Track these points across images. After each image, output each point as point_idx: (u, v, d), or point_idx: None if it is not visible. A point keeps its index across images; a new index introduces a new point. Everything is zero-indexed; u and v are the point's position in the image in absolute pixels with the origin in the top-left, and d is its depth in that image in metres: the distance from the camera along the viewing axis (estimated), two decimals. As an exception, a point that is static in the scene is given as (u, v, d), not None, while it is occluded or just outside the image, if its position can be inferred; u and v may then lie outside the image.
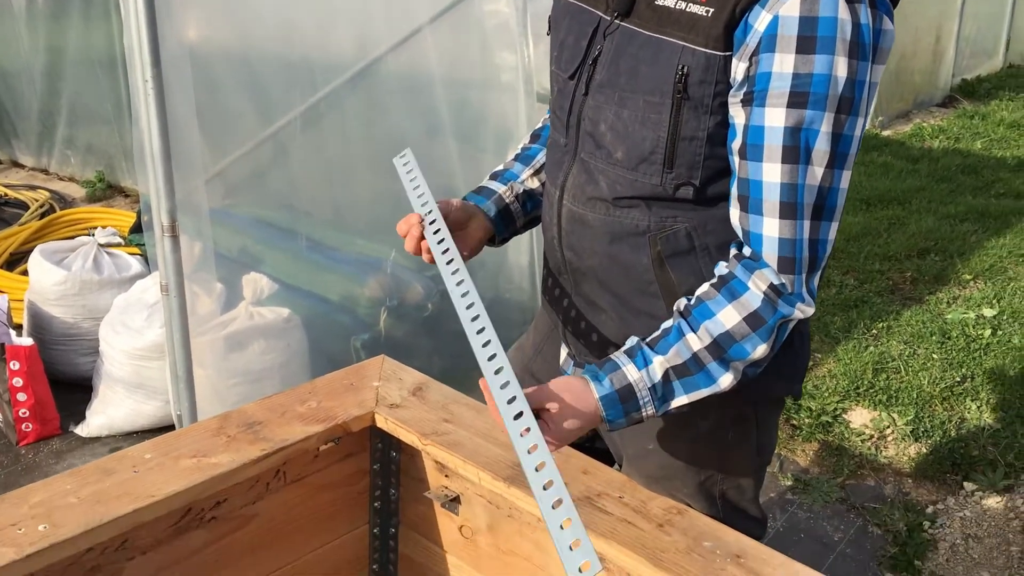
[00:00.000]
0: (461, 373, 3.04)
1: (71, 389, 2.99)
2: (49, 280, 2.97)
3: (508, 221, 1.54)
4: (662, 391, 1.21)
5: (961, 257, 4.12)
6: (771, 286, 1.18)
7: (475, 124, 3.04)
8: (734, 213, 1.22)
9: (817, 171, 1.14)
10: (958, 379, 3.15)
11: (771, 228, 1.17)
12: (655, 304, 1.32)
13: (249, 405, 1.56)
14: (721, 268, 1.24)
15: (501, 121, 3.02)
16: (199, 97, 2.28)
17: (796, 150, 1.13)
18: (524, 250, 3.22)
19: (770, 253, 1.18)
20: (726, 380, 1.21)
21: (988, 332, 3.43)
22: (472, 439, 1.51)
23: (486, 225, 1.50)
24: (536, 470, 1.11)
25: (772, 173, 1.15)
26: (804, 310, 1.20)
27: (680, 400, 1.22)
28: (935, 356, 3.30)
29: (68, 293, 2.97)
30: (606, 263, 1.34)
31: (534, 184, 1.56)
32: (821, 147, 1.13)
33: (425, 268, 2.95)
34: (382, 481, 1.67)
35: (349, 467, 1.62)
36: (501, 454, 1.47)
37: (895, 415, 2.96)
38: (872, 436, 2.90)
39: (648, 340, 1.24)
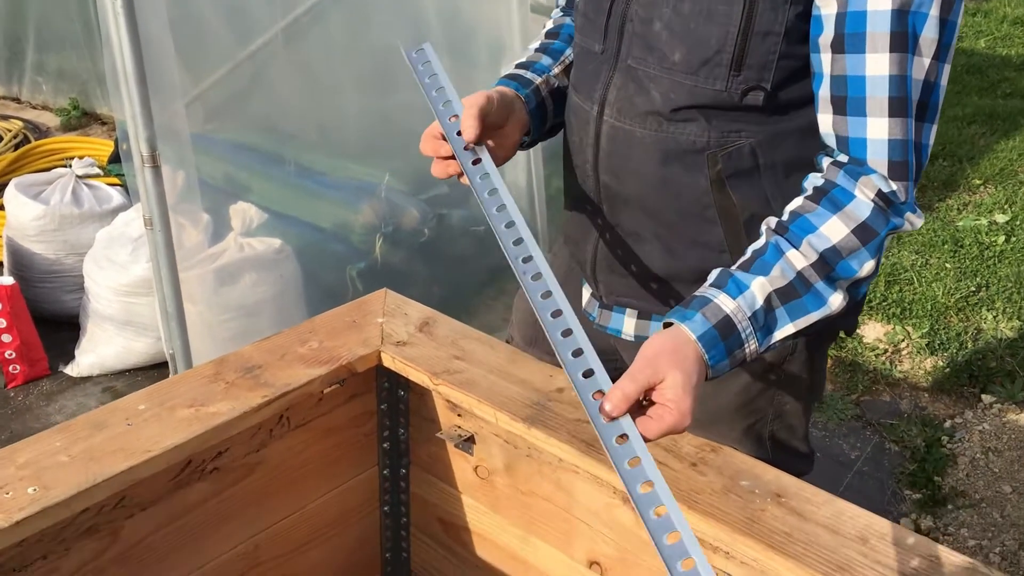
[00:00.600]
0: (463, 300, 2.95)
1: (58, 328, 2.89)
2: (27, 215, 2.84)
3: (541, 120, 1.36)
4: (764, 319, 1.03)
5: (970, 162, 4.01)
6: (880, 194, 1.04)
7: (467, 36, 2.87)
8: (825, 119, 1.08)
9: (924, 62, 1.00)
10: (972, 289, 3.08)
11: (878, 129, 1.02)
12: (710, 231, 1.19)
13: (246, 348, 1.46)
14: (815, 179, 1.10)
15: (494, 32, 2.85)
16: (172, 14, 2.12)
17: (904, 37, 0.99)
18: (521, 168, 3.09)
19: (878, 157, 1.03)
20: (836, 301, 1.05)
21: (1001, 239, 3.34)
22: (486, 377, 1.42)
23: (524, 121, 1.31)
24: (641, 491, 0.96)
25: (878, 65, 1.00)
26: (914, 221, 1.06)
27: (785, 329, 1.06)
28: (948, 266, 3.22)
29: (47, 228, 2.85)
30: (654, 186, 1.20)
31: (564, 82, 1.38)
32: (929, 34, 1.00)
33: (421, 190, 2.83)
34: (390, 421, 1.58)
35: (355, 409, 1.53)
36: (518, 392, 1.38)
37: (909, 328, 2.88)
38: (886, 350, 2.83)
39: (738, 265, 1.08)
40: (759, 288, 1.03)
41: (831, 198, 1.06)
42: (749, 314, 1.02)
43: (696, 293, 1.06)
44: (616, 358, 1.48)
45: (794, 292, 1.04)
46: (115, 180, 3.19)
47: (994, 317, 2.93)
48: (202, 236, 2.46)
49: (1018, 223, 3.50)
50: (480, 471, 1.49)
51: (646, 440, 0.98)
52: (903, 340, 2.87)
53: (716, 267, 1.13)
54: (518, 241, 1.14)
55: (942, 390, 2.67)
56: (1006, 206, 3.61)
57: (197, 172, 2.43)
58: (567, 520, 1.39)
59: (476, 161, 1.20)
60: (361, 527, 1.64)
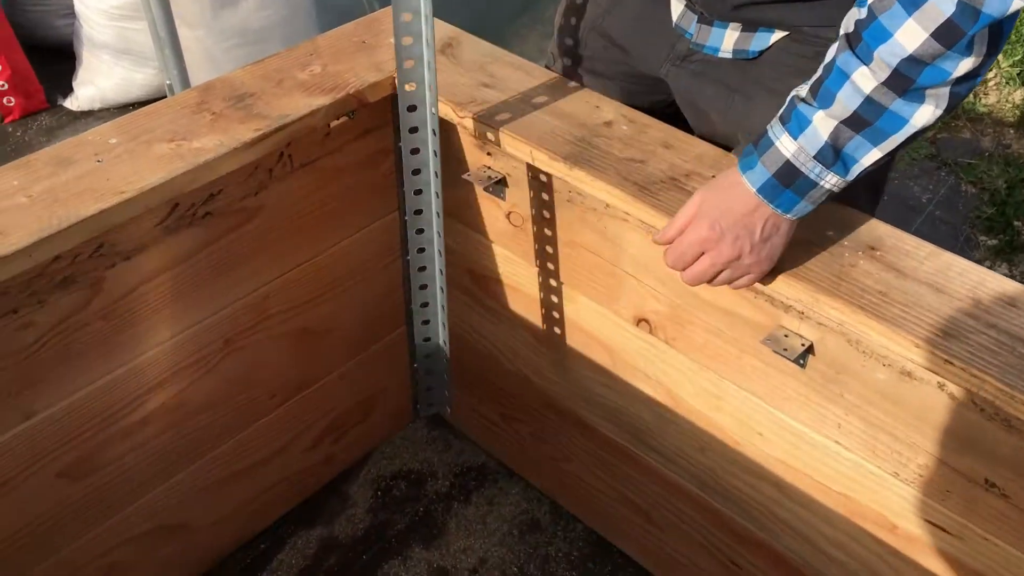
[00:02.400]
0: (492, 29, 2.64)
1: (53, 58, 2.64)
2: (2, -72, 2.52)
3: None
4: (836, 155, 0.91)
5: None
6: None
7: None
8: None
9: None
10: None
11: None
12: None
13: (235, 72, 1.23)
14: None
15: None
16: None
17: None
18: None
19: None
20: (923, 114, 0.88)
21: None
22: (521, 107, 1.20)
23: None
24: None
25: None
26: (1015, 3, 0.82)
27: (870, 156, 0.91)
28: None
29: (28, -57, 2.53)
30: None
31: None
32: None
33: None
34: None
35: (368, 146, 1.32)
36: (559, 126, 1.16)
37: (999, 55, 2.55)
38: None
39: (807, 87, 0.92)
40: (821, 123, 0.91)
41: None
42: (813, 154, 0.91)
43: (768, 126, 0.95)
44: (654, 90, 1.27)
45: (863, 120, 0.89)
46: None
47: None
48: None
49: None
50: (513, 218, 1.30)
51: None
52: (991, 69, 2.54)
53: None
54: None
55: (1030, 127, 2.39)
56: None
57: None
58: (612, 273, 1.22)
59: None
60: (383, 277, 1.49)
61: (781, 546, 1.25)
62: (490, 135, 1.18)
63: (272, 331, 1.35)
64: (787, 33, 1.11)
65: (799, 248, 1.00)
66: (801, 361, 1.06)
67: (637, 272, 1.19)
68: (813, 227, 1.02)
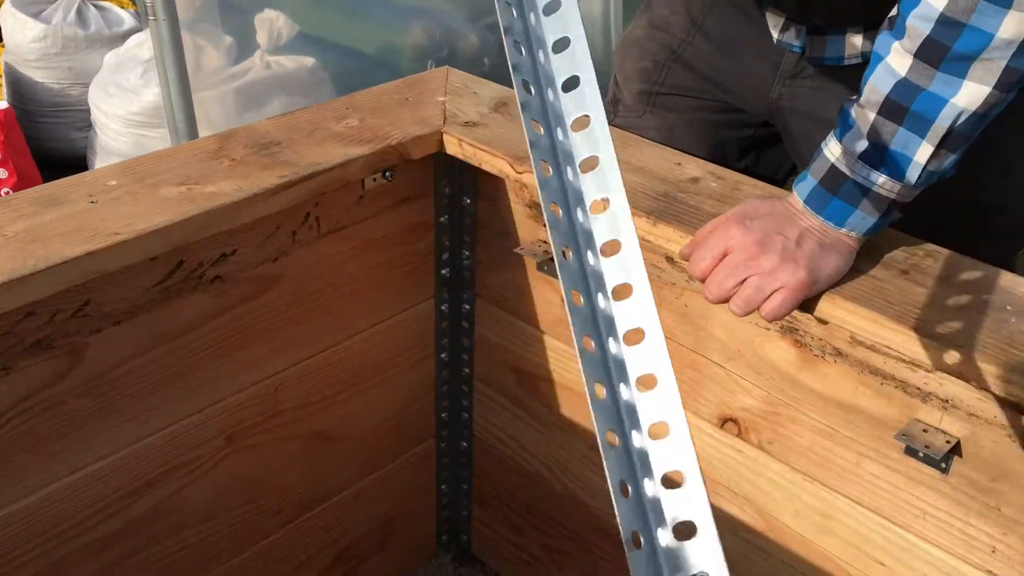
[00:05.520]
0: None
1: (67, 170, 2.53)
2: (26, 36, 2.47)
3: None
4: (879, 154, 0.78)
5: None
6: None
7: None
8: None
9: None
10: None
11: None
12: None
13: (261, 122, 1.08)
14: None
15: None
16: None
17: None
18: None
19: None
20: (968, 93, 0.75)
21: None
22: (589, 164, 1.03)
23: None
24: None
25: None
26: None
27: (922, 152, 0.77)
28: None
29: (49, 52, 2.47)
30: None
31: None
32: None
33: (481, 15, 2.40)
34: (451, 240, 1.21)
35: (406, 217, 1.15)
36: (636, 182, 0.99)
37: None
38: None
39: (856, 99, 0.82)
40: (860, 117, 0.80)
41: None
42: (858, 153, 0.80)
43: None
44: (756, 124, 1.15)
45: (899, 107, 0.77)
46: (126, 2, 2.80)
47: None
48: (224, 58, 2.08)
49: None
50: (572, 300, 1.12)
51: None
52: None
53: None
54: None
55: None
56: None
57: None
58: (693, 363, 1.02)
59: None
60: (411, 377, 1.28)
61: None
62: (553, 195, 1.01)
63: (282, 431, 1.14)
64: None
65: (952, 312, 0.81)
66: (944, 464, 0.85)
67: (725, 360, 0.99)
68: (962, 289, 0.84)
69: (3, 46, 2.65)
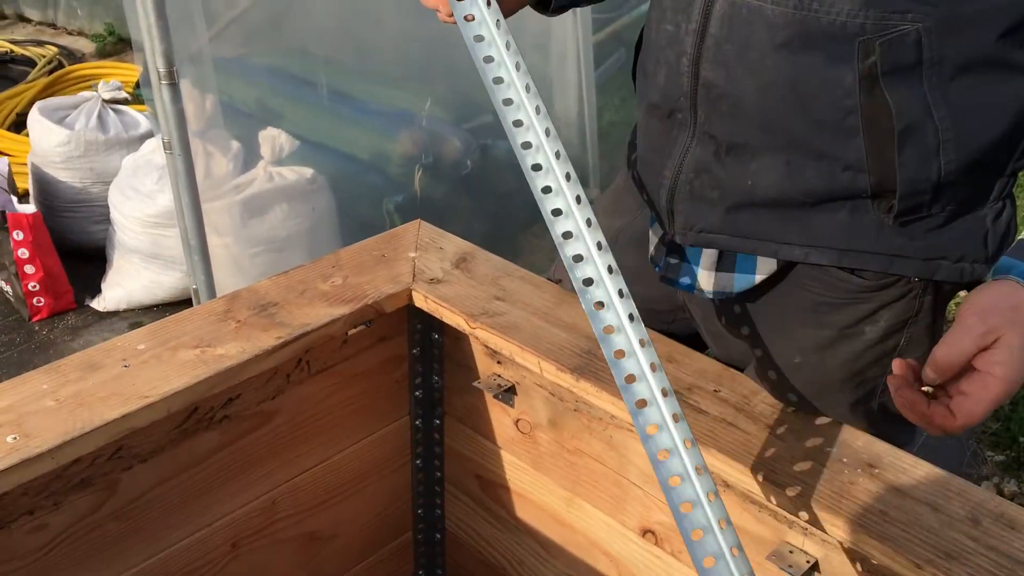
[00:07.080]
0: (506, 238, 2.78)
1: (86, 261, 2.78)
2: (51, 141, 2.71)
3: None
4: None
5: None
6: None
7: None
8: None
9: None
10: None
11: None
12: (846, 145, 0.94)
13: (261, 283, 1.30)
14: None
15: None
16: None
17: None
18: (572, 98, 2.88)
19: None
20: None
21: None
22: (530, 320, 1.25)
23: None
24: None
25: None
26: None
27: None
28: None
29: (73, 155, 2.71)
30: (779, 84, 0.94)
31: None
32: None
33: (464, 119, 2.64)
34: (423, 368, 1.43)
35: (383, 353, 1.37)
36: (566, 339, 1.21)
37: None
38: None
39: None
40: None
41: None
42: None
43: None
44: (672, 319, 1.28)
45: None
46: (142, 107, 3.05)
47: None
48: (230, 165, 2.31)
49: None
50: (522, 425, 1.34)
51: (951, 430, 0.87)
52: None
53: (842, 189, 0.94)
54: (518, 123, 0.97)
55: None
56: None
57: (227, 97, 2.27)
58: (618, 483, 1.23)
59: (470, 17, 0.99)
60: (391, 482, 1.50)
61: None
62: (500, 345, 1.23)
63: (279, 535, 1.35)
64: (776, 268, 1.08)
65: (802, 464, 1.03)
66: (807, 580, 1.05)
67: (643, 483, 1.20)
68: (816, 445, 1.05)
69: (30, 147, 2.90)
